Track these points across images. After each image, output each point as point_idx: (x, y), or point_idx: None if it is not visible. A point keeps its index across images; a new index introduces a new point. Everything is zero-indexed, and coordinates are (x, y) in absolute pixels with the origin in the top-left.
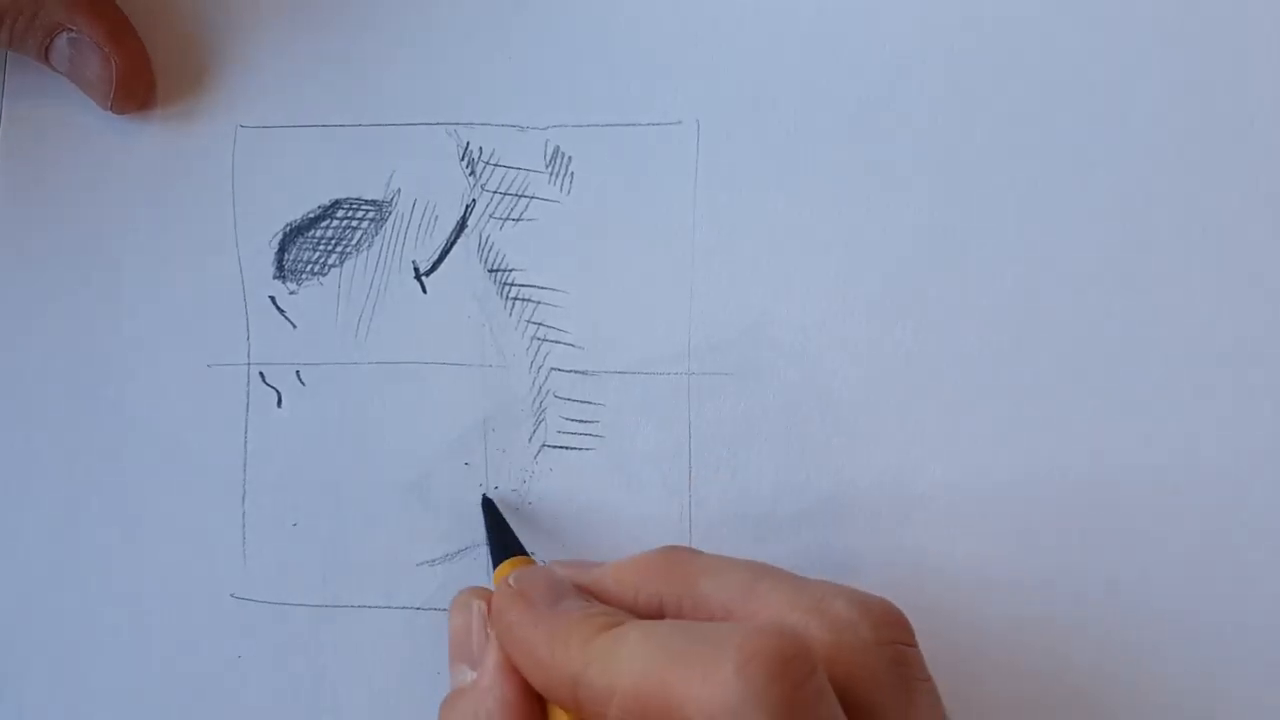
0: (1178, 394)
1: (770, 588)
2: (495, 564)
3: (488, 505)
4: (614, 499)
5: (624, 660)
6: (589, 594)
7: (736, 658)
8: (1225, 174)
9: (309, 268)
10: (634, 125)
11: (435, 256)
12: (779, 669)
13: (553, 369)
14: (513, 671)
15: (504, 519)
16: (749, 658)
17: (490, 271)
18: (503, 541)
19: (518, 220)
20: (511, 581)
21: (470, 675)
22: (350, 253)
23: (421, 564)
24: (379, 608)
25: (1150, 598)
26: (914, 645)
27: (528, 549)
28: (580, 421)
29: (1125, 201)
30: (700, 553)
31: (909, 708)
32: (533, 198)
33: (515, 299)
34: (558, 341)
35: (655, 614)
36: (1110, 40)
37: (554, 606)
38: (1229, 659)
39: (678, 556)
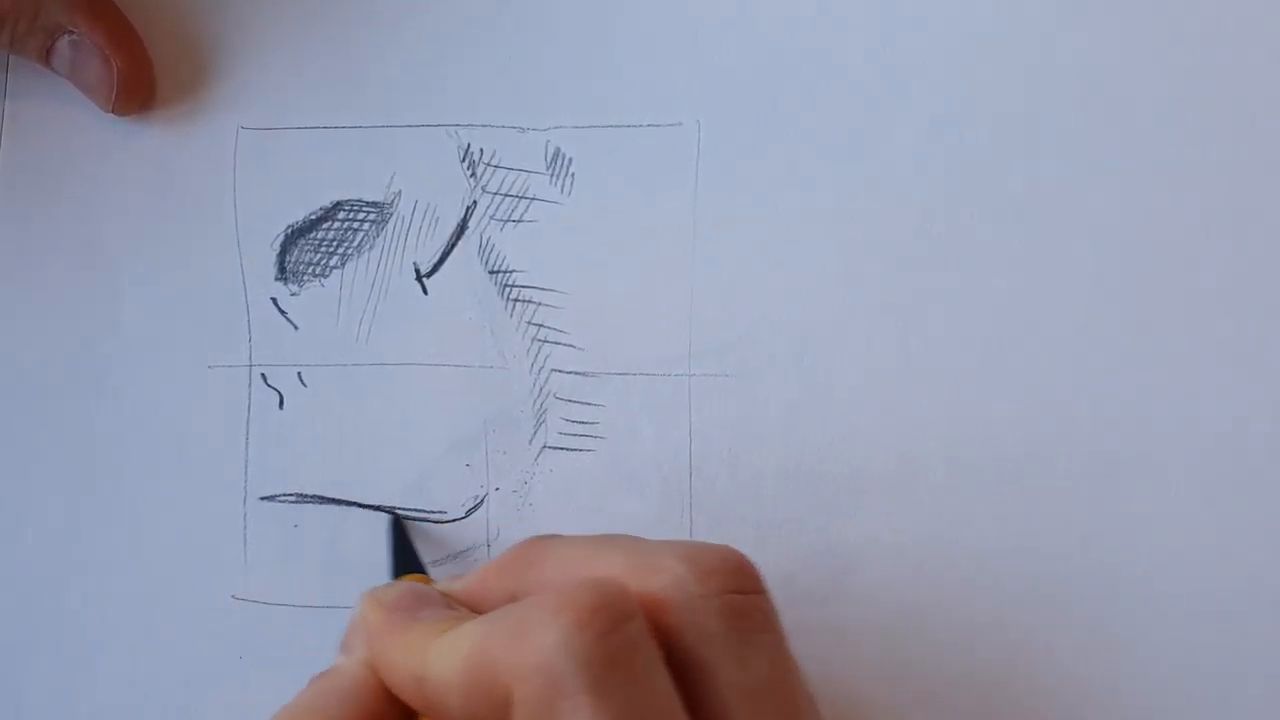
0: (1178, 392)
1: (608, 556)
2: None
3: (395, 525)
4: (615, 500)
5: (456, 648)
6: (459, 604)
7: (548, 612)
8: (1226, 173)
9: (310, 269)
10: (635, 126)
11: (436, 258)
12: (588, 617)
13: (553, 370)
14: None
15: (409, 539)
16: (559, 609)
17: (491, 273)
18: (403, 560)
19: (518, 222)
20: (377, 594)
21: (344, 658)
22: (351, 254)
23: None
24: None
25: (1153, 594)
26: (754, 593)
27: None
28: (581, 423)
29: (1126, 202)
30: (555, 537)
31: (740, 660)
32: (533, 199)
33: (516, 300)
34: (558, 343)
35: None
36: (1110, 40)
37: (413, 616)
38: (1230, 654)
39: (530, 546)
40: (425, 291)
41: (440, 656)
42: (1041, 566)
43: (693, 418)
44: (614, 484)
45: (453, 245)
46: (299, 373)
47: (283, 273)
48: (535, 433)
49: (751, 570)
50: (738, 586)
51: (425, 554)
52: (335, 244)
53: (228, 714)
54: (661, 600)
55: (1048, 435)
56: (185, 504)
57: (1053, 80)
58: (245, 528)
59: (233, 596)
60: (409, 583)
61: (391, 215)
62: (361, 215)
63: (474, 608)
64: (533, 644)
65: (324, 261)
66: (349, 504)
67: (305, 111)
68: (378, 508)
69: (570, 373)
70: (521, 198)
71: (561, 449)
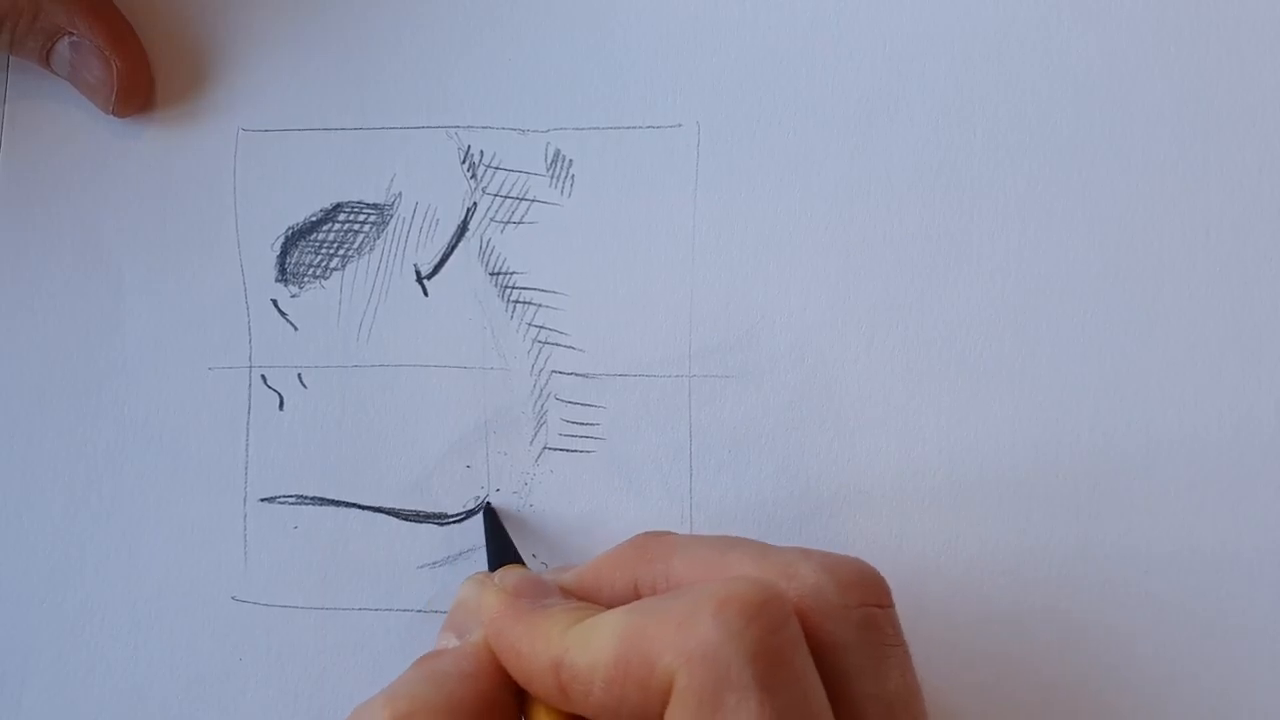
0: (1178, 392)
1: (739, 556)
2: (492, 570)
3: (489, 513)
4: (615, 501)
5: (602, 636)
6: (572, 594)
7: (712, 604)
8: (1227, 175)
9: (311, 271)
10: (635, 128)
11: (436, 259)
12: (756, 611)
13: (554, 372)
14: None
15: (503, 527)
16: (725, 602)
17: (491, 274)
18: (500, 549)
19: (518, 223)
20: (498, 580)
21: (455, 642)
22: (352, 256)
23: (422, 566)
24: (380, 610)
25: (1153, 594)
26: (887, 606)
27: (528, 550)
28: (581, 424)
29: (1126, 203)
30: (672, 534)
31: (877, 673)
32: (533, 201)
33: (516, 302)
34: (559, 344)
35: (632, 599)
36: (1111, 41)
37: (539, 603)
38: (1230, 655)
39: (649, 541)
40: (426, 293)
41: (584, 642)
42: (1041, 566)
43: (693, 418)
44: (614, 485)
45: (453, 247)
46: (299, 374)
47: (283, 274)
48: (536, 434)
49: (885, 585)
50: (874, 600)
51: (425, 556)
52: (335, 245)
53: (227, 715)
54: (799, 608)
55: (1048, 435)
56: (185, 505)
57: (1053, 80)
58: (245, 529)
59: (232, 598)
60: (525, 570)
61: (392, 217)
62: (362, 217)
63: (587, 598)
64: (699, 633)
65: (324, 263)
66: (349, 505)
67: (305, 113)
68: (378, 509)
69: (570, 374)
70: (522, 199)
71: (562, 450)
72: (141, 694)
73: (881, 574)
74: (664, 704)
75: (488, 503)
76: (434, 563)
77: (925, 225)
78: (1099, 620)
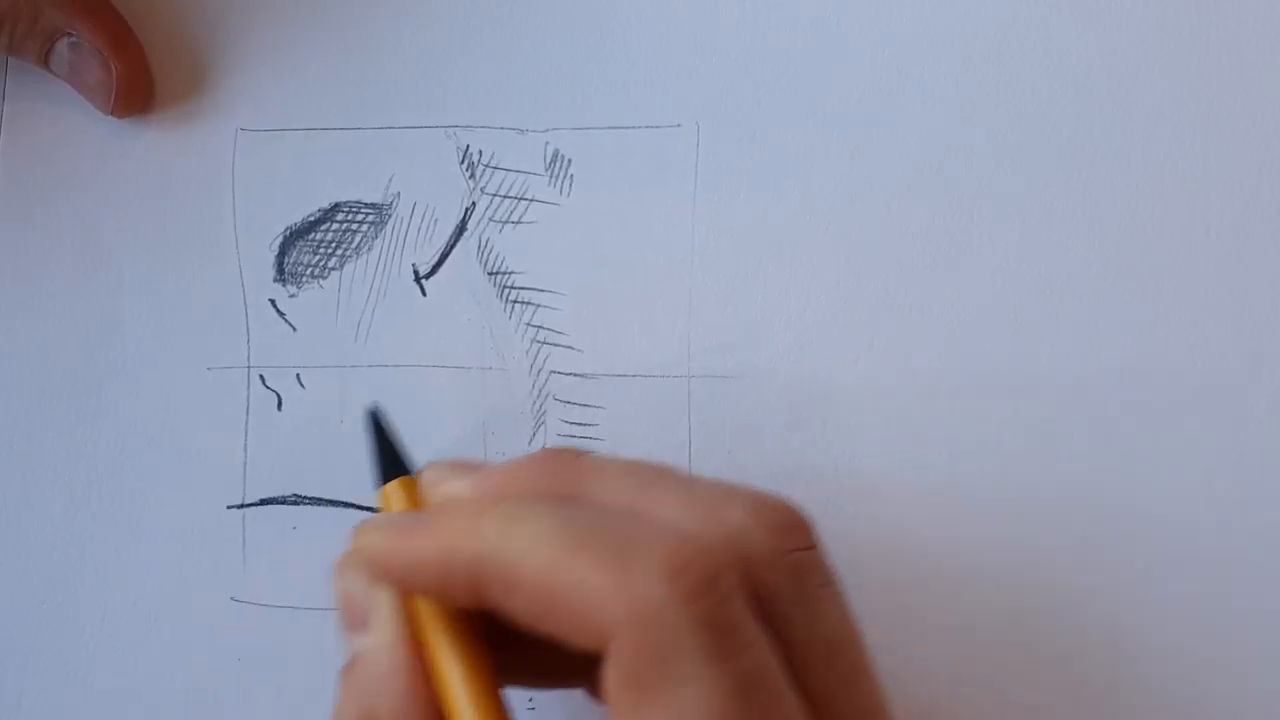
0: (1179, 391)
1: (660, 492)
2: (379, 486)
3: (374, 419)
4: None
5: (531, 538)
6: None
7: (663, 567)
8: (1227, 175)
9: (309, 271)
10: (634, 128)
11: (435, 259)
12: (706, 584)
13: (552, 372)
14: (407, 631)
15: (394, 433)
16: (678, 569)
17: (490, 274)
18: (389, 459)
19: (517, 223)
20: (369, 520)
21: (365, 639)
22: (350, 256)
23: None
24: None
25: (1154, 594)
26: (813, 548)
27: None
28: (580, 425)
29: (1126, 203)
30: (588, 455)
31: (813, 618)
32: (532, 200)
33: (515, 302)
34: (557, 344)
35: None
36: (1111, 41)
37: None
38: (1232, 656)
39: (564, 456)
40: (424, 293)
41: (510, 537)
42: (1041, 566)
43: (692, 419)
44: None
45: (451, 247)
46: (297, 374)
47: (281, 274)
48: (534, 434)
49: (811, 526)
50: (804, 543)
51: None
52: (334, 245)
53: (227, 715)
54: (730, 554)
55: (1048, 435)
56: (184, 506)
57: (1053, 80)
58: (244, 530)
59: (231, 599)
60: (390, 513)
61: (390, 217)
62: (360, 217)
63: None
64: (644, 587)
65: (322, 263)
66: (348, 505)
67: (304, 113)
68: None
69: (569, 374)
70: (520, 199)
71: None
72: (141, 694)
73: (807, 513)
74: (598, 646)
75: (374, 407)
76: None
77: (925, 225)
78: (1099, 621)
